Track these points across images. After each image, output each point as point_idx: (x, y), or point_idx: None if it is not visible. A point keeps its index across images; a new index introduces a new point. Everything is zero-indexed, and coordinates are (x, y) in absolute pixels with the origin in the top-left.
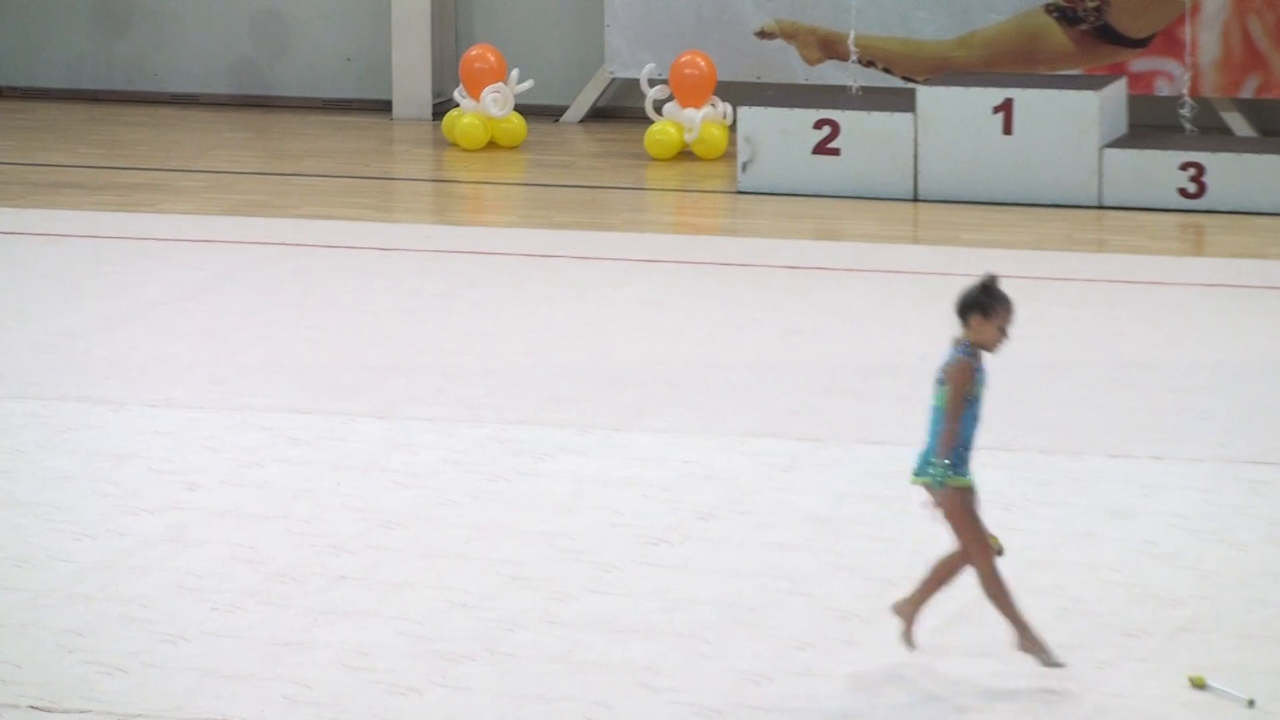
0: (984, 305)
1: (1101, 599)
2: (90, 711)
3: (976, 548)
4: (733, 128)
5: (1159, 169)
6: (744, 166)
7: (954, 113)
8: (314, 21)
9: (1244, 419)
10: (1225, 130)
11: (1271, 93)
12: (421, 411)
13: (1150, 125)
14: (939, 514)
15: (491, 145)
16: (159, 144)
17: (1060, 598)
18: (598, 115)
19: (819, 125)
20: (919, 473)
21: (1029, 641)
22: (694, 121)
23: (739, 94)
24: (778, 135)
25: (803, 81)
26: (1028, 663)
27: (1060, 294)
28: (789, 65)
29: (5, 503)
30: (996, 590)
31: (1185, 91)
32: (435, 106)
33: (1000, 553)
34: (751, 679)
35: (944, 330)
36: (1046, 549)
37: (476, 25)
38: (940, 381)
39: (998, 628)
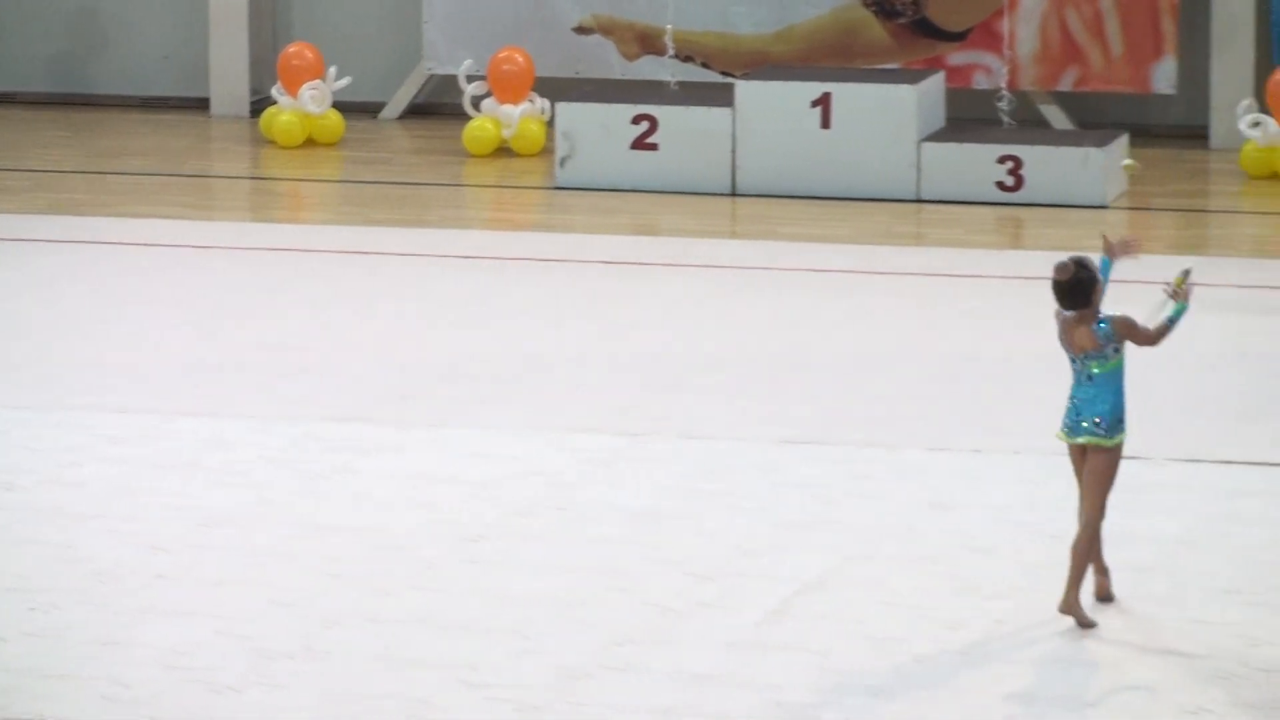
0: (1093, 274)
1: (924, 591)
2: None
3: (1103, 508)
4: (551, 123)
5: (977, 162)
6: (562, 162)
7: (772, 107)
8: (132, 19)
9: (1062, 411)
10: (1043, 123)
11: (1089, 85)
12: (241, 409)
13: (968, 119)
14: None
15: (309, 142)
16: None
17: (883, 590)
18: (416, 112)
19: (637, 120)
20: (1085, 432)
21: (1073, 601)
22: (512, 118)
23: (557, 90)
24: (596, 131)
25: (620, 77)
26: (849, 657)
27: (879, 287)
28: (607, 61)
29: None
30: (1088, 550)
31: (1003, 85)
32: (253, 104)
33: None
34: (571, 674)
35: (761, 323)
36: (867, 542)
37: (295, 23)
38: (1115, 349)
39: (819, 623)
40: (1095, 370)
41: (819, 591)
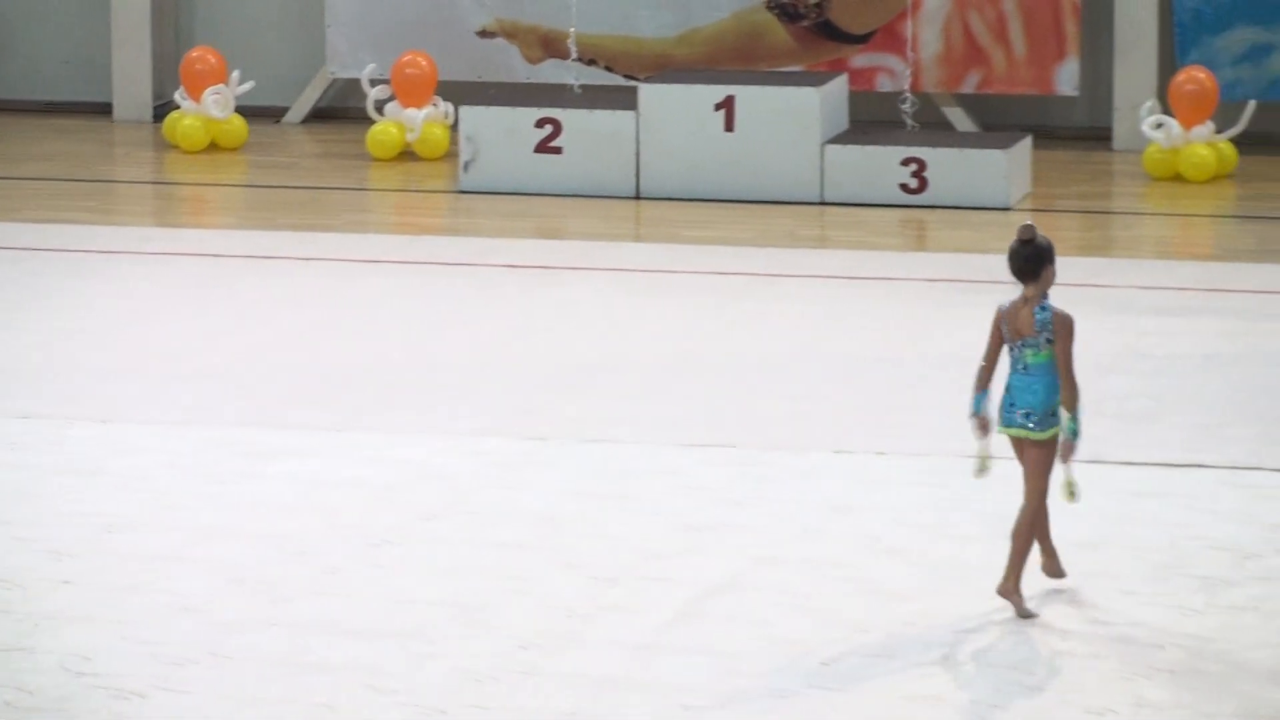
0: (1050, 252)
1: (828, 594)
2: None
3: (1044, 490)
4: (454, 127)
5: (880, 165)
6: (466, 166)
7: (675, 110)
8: (32, 23)
9: (965, 413)
10: (946, 125)
11: (992, 87)
12: (143, 414)
13: (872, 121)
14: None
15: (213, 147)
16: None
17: (787, 593)
18: (319, 116)
19: (540, 124)
20: (1017, 425)
21: (1011, 588)
22: (415, 121)
23: (460, 93)
24: (499, 134)
25: (524, 80)
26: (754, 660)
27: (782, 290)
28: (510, 64)
29: None
30: (1030, 534)
31: (906, 87)
32: (156, 109)
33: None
34: (475, 678)
35: (665, 326)
36: (771, 545)
37: (197, 27)
38: (1048, 340)
39: (724, 626)
40: (1030, 359)
41: (723, 594)
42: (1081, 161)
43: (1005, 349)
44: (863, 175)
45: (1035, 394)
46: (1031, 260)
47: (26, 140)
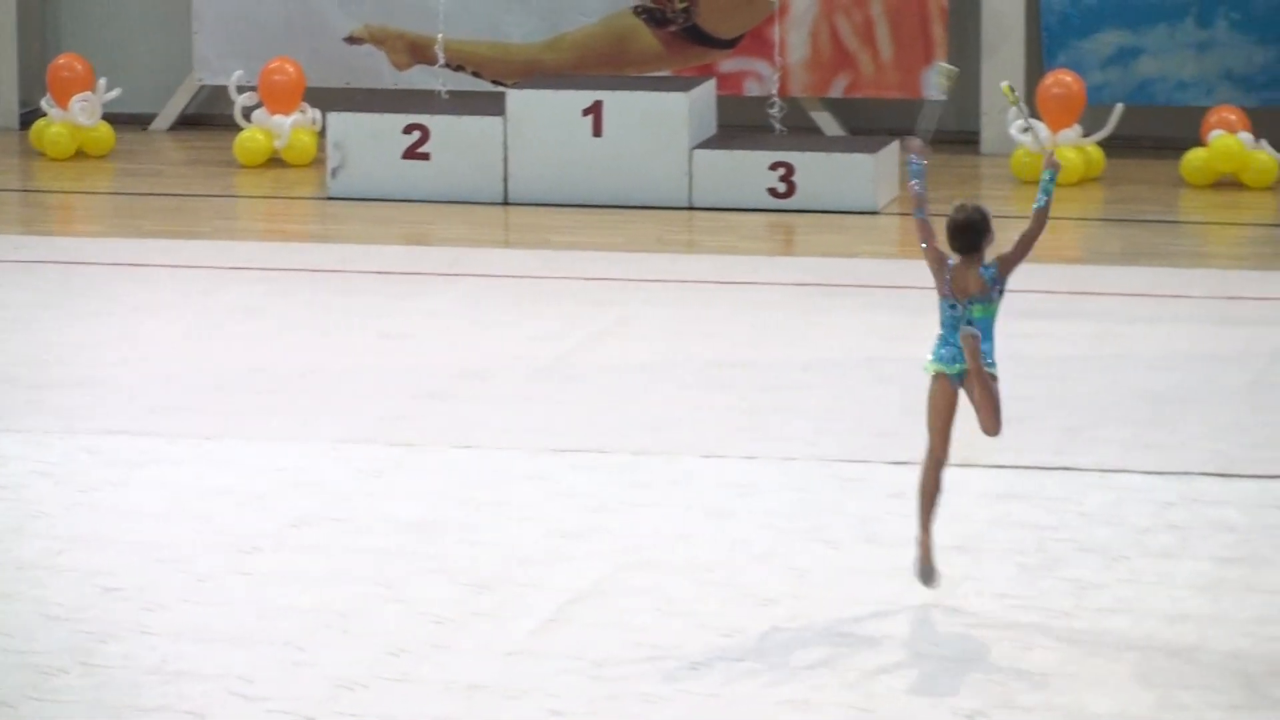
0: (988, 220)
1: (698, 599)
2: None
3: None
4: (322, 134)
5: (749, 169)
6: (334, 172)
7: (543, 116)
8: None
9: (835, 417)
10: (814, 130)
11: (860, 91)
12: (12, 423)
13: (740, 126)
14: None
15: (80, 154)
16: None
17: (658, 598)
18: (187, 123)
19: (408, 130)
20: (951, 361)
21: (923, 548)
22: (283, 128)
23: (328, 100)
24: (367, 141)
25: (392, 86)
26: (625, 665)
27: (652, 295)
28: (378, 70)
29: None
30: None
31: (774, 92)
32: (22, 116)
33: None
34: (346, 685)
35: (534, 332)
36: (643, 550)
37: (64, 34)
38: (1000, 291)
39: (595, 632)
40: (978, 314)
41: (594, 600)
42: (949, 165)
43: (944, 305)
44: (731, 180)
45: (985, 340)
46: (974, 233)
47: None
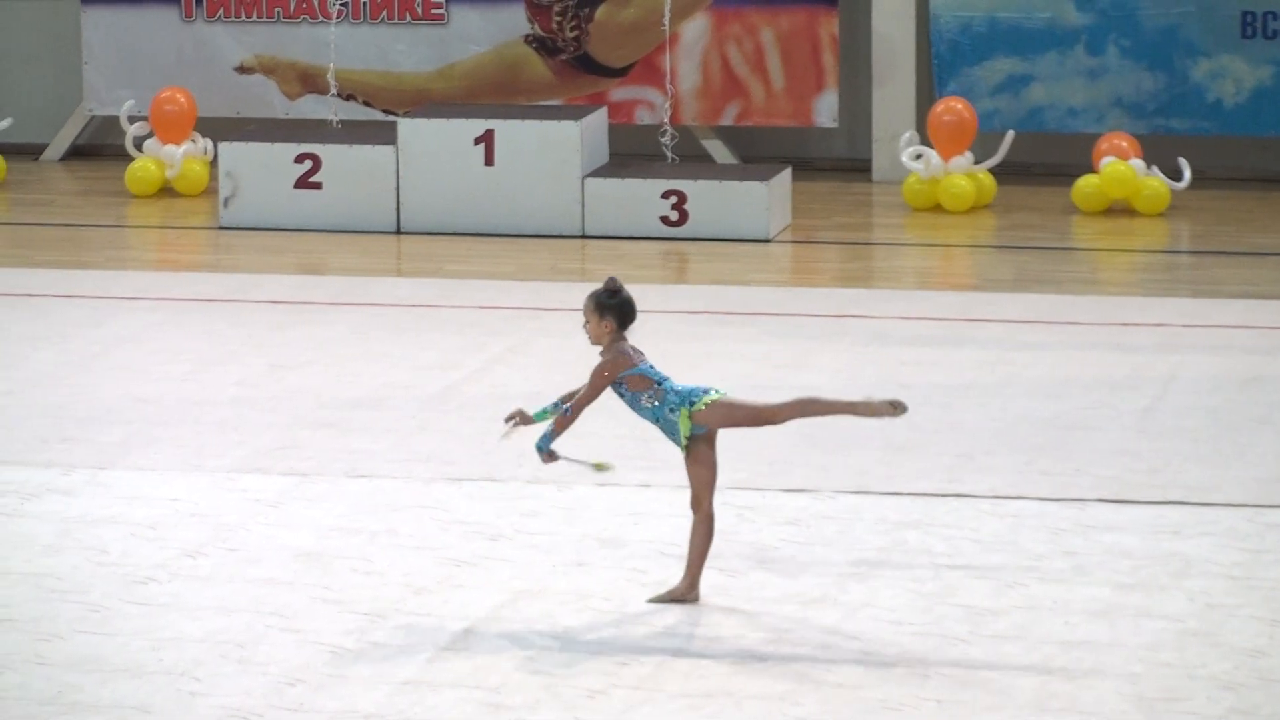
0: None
1: (592, 628)
2: None
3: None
4: (214, 163)
5: (640, 198)
6: (226, 202)
7: (435, 145)
8: None
9: (729, 445)
10: (706, 158)
11: (751, 120)
12: None
13: (632, 154)
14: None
15: None
16: None
17: (550, 627)
18: (78, 153)
19: (300, 159)
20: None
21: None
22: (175, 158)
23: (219, 129)
24: (259, 170)
25: (283, 116)
26: (520, 693)
27: (544, 325)
28: (269, 100)
29: None
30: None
31: (666, 120)
32: None
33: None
34: (242, 715)
35: (426, 361)
36: (537, 579)
37: None
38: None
39: (490, 660)
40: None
41: (488, 628)
42: (841, 193)
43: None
44: (623, 208)
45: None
46: (631, 311)
47: None
